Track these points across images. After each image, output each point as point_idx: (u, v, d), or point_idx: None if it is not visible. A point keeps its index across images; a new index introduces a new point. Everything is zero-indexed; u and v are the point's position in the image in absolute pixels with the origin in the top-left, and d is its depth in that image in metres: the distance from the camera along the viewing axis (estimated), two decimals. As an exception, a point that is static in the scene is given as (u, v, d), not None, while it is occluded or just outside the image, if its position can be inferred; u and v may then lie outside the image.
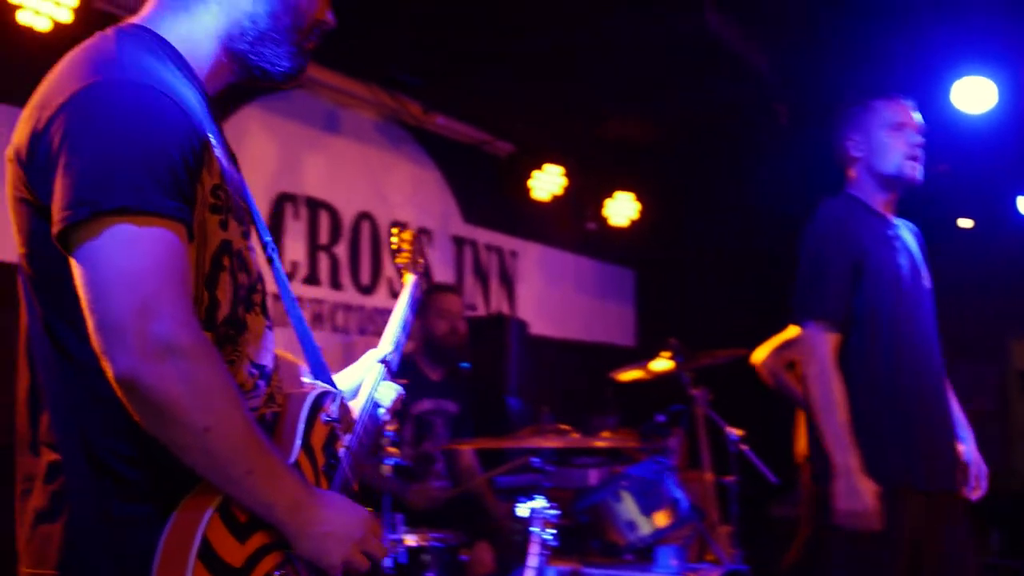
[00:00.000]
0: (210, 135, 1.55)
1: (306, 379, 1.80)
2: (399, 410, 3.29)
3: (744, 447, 4.68)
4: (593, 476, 5.63)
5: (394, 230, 2.47)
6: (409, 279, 2.34)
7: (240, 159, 5.27)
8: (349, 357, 5.61)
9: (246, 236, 1.65)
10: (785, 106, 5.81)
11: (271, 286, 1.74)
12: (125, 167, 1.38)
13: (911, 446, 3.01)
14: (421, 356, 4.97)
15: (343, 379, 2.02)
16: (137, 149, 1.39)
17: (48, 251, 1.44)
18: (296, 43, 1.71)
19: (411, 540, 3.68)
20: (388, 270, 5.84)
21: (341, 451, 1.76)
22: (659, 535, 4.02)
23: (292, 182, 5.31)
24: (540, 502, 3.36)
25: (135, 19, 1.63)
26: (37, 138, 1.44)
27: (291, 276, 5.26)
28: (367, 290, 5.71)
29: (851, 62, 5.39)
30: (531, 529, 3.36)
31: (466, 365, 5.41)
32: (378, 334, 5.76)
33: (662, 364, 4.87)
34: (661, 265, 7.79)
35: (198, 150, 1.48)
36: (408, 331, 2.19)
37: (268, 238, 1.79)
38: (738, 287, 7.24)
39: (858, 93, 3.35)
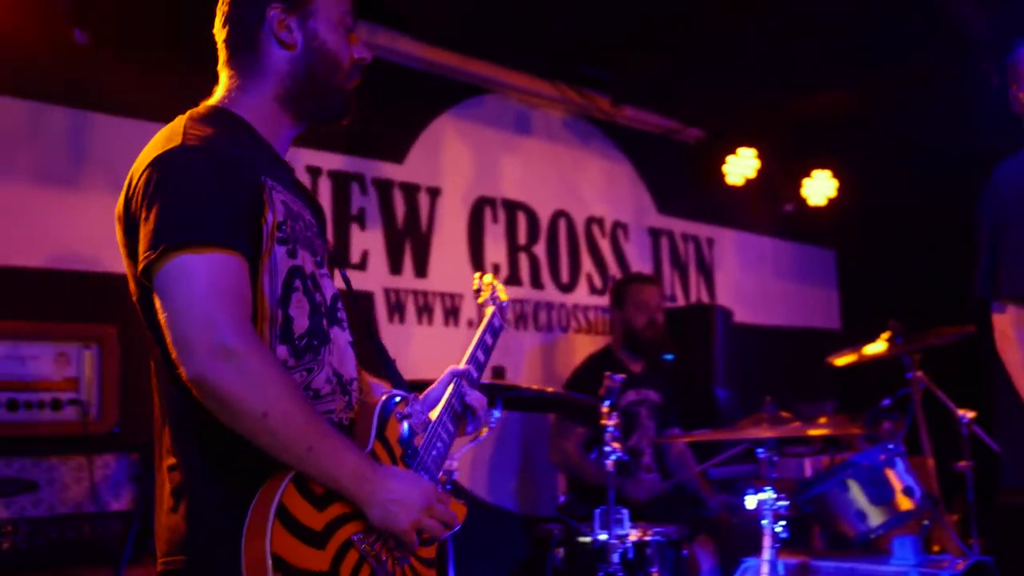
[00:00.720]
0: (271, 182, 1.84)
1: (383, 388, 2.04)
2: (612, 402, 3.31)
3: (977, 429, 4.42)
4: (808, 465, 5.46)
5: (476, 275, 2.74)
6: (489, 310, 2.60)
7: (438, 166, 5.40)
8: (551, 355, 5.69)
9: (320, 265, 1.95)
10: (998, 68, 5.44)
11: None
12: (184, 209, 1.73)
13: None
14: (621, 349, 4.95)
15: (429, 393, 2.25)
16: (194, 194, 1.74)
17: (146, 290, 1.77)
18: (337, 86, 2.02)
19: (634, 534, 3.66)
20: (586, 266, 5.85)
21: (420, 444, 2.00)
22: (891, 525, 3.84)
23: (489, 185, 5.39)
24: (768, 494, 3.28)
25: (209, 101, 1.99)
26: (128, 202, 1.81)
27: (493, 278, 5.33)
28: (567, 288, 5.73)
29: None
30: (761, 522, 3.29)
31: (670, 357, 5.35)
32: (579, 331, 5.79)
33: (878, 346, 4.67)
34: (864, 243, 7.47)
35: (253, 192, 1.80)
36: (488, 354, 2.45)
37: (344, 271, 2.12)
38: (949, 261, 6.85)
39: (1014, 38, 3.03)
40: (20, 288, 3.61)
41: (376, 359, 2.14)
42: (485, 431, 3.08)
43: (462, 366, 2.29)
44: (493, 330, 2.51)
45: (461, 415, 2.19)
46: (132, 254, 1.80)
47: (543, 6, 4.82)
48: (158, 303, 1.71)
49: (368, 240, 4.81)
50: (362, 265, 4.78)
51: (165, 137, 1.84)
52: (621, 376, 3.32)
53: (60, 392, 3.30)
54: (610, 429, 3.29)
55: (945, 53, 5.51)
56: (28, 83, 3.74)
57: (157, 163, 1.78)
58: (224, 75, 2.01)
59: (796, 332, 7.33)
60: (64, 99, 3.81)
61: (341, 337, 1.96)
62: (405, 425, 1.97)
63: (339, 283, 2.10)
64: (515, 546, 5.04)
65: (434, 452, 2.02)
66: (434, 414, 2.10)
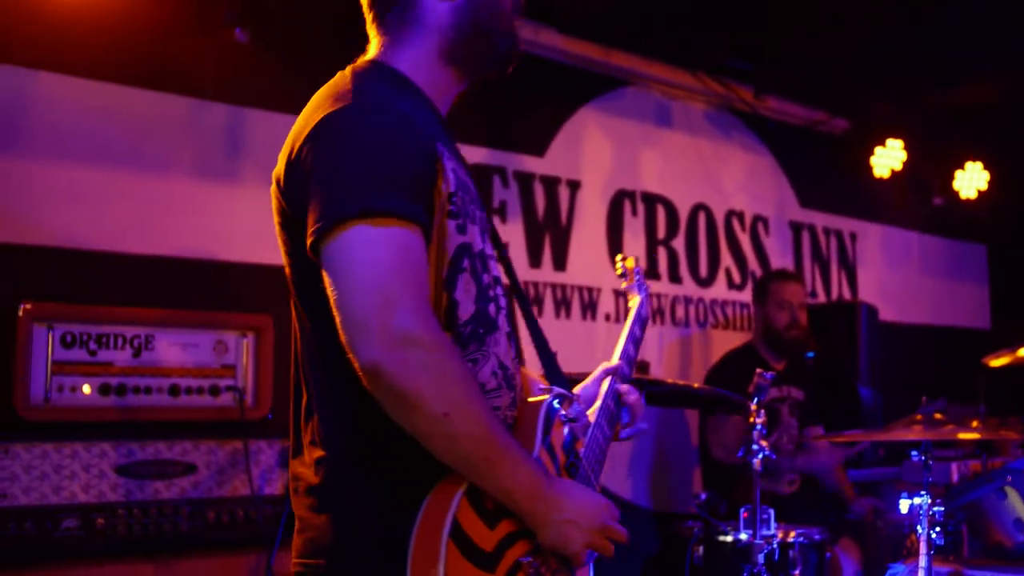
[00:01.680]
0: (443, 148, 1.66)
1: (543, 386, 1.85)
2: (760, 400, 3.25)
3: None
4: (955, 470, 5.26)
5: (618, 257, 2.61)
6: (635, 300, 2.45)
7: (578, 159, 5.38)
8: (688, 350, 5.62)
9: (484, 240, 1.74)
10: None
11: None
12: (361, 176, 1.54)
13: None
14: (762, 346, 4.85)
15: (582, 391, 2.10)
16: (372, 160, 1.55)
17: (308, 266, 1.59)
18: (504, 31, 1.85)
19: (778, 535, 3.59)
20: (726, 260, 5.76)
21: (582, 451, 1.83)
22: (1053, 536, 3.67)
23: (628, 178, 5.36)
24: (923, 499, 3.16)
25: (367, 57, 1.82)
26: (292, 166, 1.64)
27: (630, 271, 5.30)
28: (705, 282, 5.65)
29: None
30: (915, 527, 3.17)
31: (811, 355, 5.22)
32: (717, 326, 5.70)
33: (1038, 349, 4.46)
34: (1018, 239, 7.14)
35: (429, 160, 1.62)
36: (638, 348, 2.27)
37: (506, 251, 1.90)
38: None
39: None
40: (181, 277, 3.77)
41: (533, 351, 1.98)
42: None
43: (614, 362, 2.16)
44: (641, 321, 2.37)
45: (616, 416, 2.05)
46: (290, 225, 1.66)
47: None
48: (328, 280, 1.53)
49: (509, 233, 4.84)
50: (502, 258, 4.81)
51: (332, 95, 1.67)
52: (771, 374, 3.25)
53: (218, 379, 3.43)
54: (758, 427, 3.23)
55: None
56: (188, 80, 3.88)
57: (328, 124, 1.61)
58: (377, 35, 1.84)
59: (943, 331, 7.06)
60: (222, 96, 3.96)
61: (503, 326, 1.77)
62: (567, 429, 1.82)
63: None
64: (648, 541, 5.02)
65: (594, 459, 1.88)
66: (591, 415, 1.97)
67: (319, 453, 1.65)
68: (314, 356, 1.68)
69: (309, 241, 1.55)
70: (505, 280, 1.87)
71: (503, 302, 1.78)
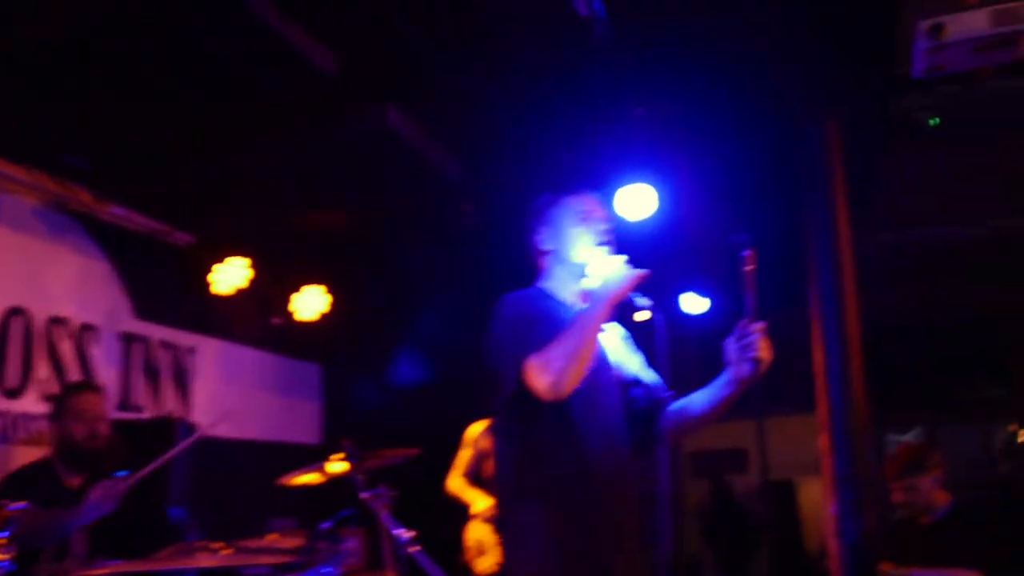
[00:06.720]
0: None
1: None
2: (10, 535, 2.98)
3: (414, 548, 4.60)
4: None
5: None
6: None
7: None
8: (-9, 466, 5.07)
9: None
10: (471, 202, 5.98)
11: None
12: None
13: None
14: (58, 462, 4.56)
15: None
16: None
17: None
18: None
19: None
20: (41, 370, 5.38)
21: None
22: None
23: (-73, 274, 4.81)
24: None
25: None
26: None
27: (-77, 377, 4.72)
28: (14, 393, 5.22)
29: (528, 166, 5.65)
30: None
31: (123, 473, 5.03)
32: (28, 442, 5.25)
33: (338, 465, 4.74)
34: (347, 360, 7.72)
35: None
36: None
37: None
38: (419, 383, 7.30)
39: (545, 188, 3.34)
40: None
41: None
42: None
43: None
44: None
45: None
46: None
47: (19, 84, 4.47)
48: None
49: None
50: None
51: None
52: (22, 504, 3.01)
53: None
54: (3, 564, 2.96)
55: (421, 188, 5.95)
56: None
57: None
58: None
59: (274, 446, 7.30)
60: None
61: None
62: None
63: None
64: None
65: None
66: None
67: None
68: None
69: None
70: None
71: None
